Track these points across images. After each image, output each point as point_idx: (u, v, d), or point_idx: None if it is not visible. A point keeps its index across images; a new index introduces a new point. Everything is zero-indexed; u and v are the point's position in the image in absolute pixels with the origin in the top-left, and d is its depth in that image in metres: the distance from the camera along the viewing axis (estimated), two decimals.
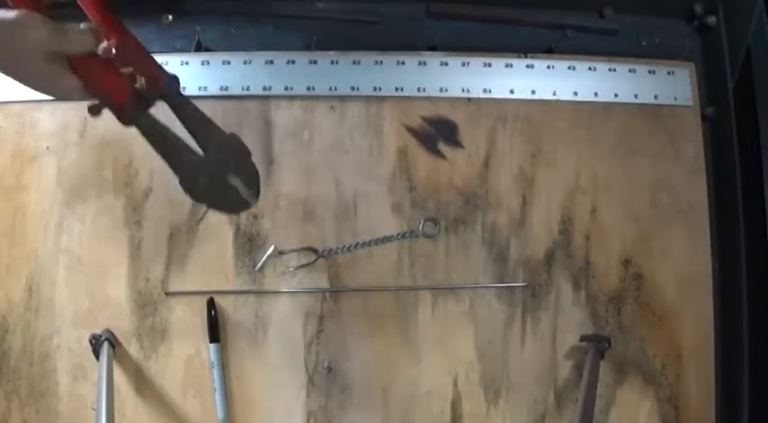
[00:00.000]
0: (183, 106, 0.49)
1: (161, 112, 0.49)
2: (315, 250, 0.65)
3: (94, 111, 0.48)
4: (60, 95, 0.46)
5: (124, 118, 0.47)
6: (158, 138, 0.48)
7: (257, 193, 0.51)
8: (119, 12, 0.72)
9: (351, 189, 0.66)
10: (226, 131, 0.50)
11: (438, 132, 0.68)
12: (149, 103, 0.48)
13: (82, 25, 0.44)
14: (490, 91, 0.68)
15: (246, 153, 0.51)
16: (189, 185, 0.48)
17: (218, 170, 0.49)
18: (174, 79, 0.48)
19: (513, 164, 0.68)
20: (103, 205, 0.65)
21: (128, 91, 0.47)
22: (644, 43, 0.73)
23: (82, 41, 0.43)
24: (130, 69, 0.48)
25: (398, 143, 0.67)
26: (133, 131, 0.65)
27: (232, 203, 0.51)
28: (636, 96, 0.69)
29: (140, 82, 0.48)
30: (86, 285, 0.64)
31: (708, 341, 0.66)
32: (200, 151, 0.49)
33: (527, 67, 0.69)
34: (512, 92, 0.69)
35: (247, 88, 0.67)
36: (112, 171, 0.65)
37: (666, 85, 0.70)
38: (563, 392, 0.65)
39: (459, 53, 0.69)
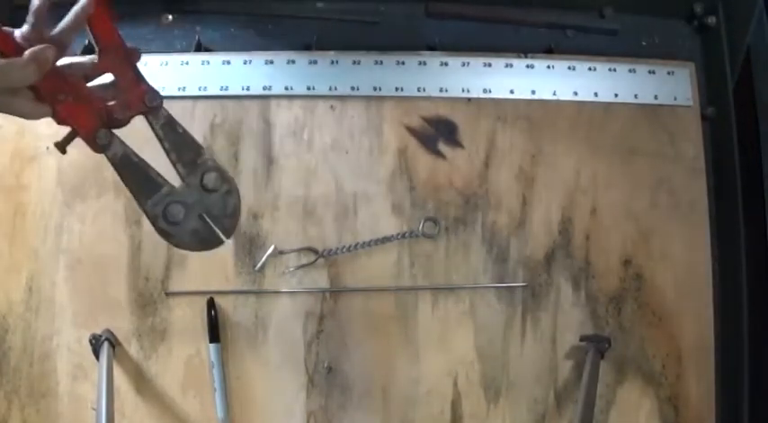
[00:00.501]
0: (165, 126, 0.45)
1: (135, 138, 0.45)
2: (315, 250, 0.65)
3: (61, 147, 0.44)
4: (37, 117, 0.43)
5: (94, 146, 0.43)
6: (130, 170, 0.44)
7: (234, 227, 0.47)
8: (119, 11, 0.72)
9: (351, 189, 0.66)
10: (210, 158, 0.46)
11: (438, 132, 0.68)
12: (120, 122, 0.44)
13: (26, 54, 0.40)
14: (490, 91, 0.68)
15: (231, 183, 0.46)
16: (161, 231, 0.45)
17: (195, 205, 0.45)
18: (158, 96, 0.44)
19: (513, 164, 0.68)
20: (103, 205, 0.65)
21: (96, 117, 0.43)
22: (644, 43, 0.73)
23: (23, 76, 0.40)
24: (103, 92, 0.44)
25: (398, 143, 0.67)
26: (133, 132, 0.65)
27: (205, 241, 0.46)
28: (636, 96, 0.69)
29: (114, 98, 0.43)
30: (86, 285, 0.64)
31: (708, 341, 0.66)
32: (178, 182, 0.45)
33: (527, 67, 0.69)
34: (512, 92, 0.69)
35: (247, 88, 0.67)
36: (112, 171, 0.65)
37: (666, 85, 0.70)
38: (563, 392, 0.65)
39: (459, 53, 0.69)
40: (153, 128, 0.45)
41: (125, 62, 0.44)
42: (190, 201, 0.45)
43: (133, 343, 0.63)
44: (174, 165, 0.45)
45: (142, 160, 0.44)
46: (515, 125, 0.68)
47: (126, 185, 0.44)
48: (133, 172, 0.44)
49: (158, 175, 0.45)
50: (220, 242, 0.46)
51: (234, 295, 0.64)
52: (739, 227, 0.67)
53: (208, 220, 0.45)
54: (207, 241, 0.46)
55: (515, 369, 0.65)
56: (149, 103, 0.44)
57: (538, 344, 0.65)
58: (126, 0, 0.69)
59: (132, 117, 0.44)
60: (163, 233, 0.45)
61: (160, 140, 0.45)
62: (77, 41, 0.68)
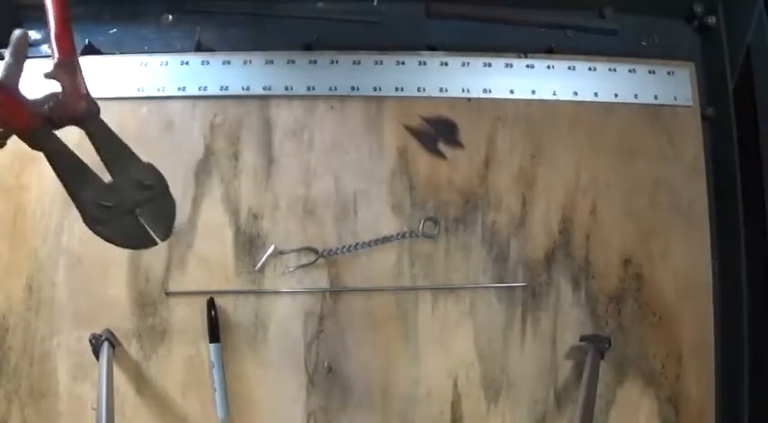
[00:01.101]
0: (101, 134, 0.46)
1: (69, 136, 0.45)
2: (315, 250, 0.65)
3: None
4: None
5: (31, 142, 0.43)
6: (65, 164, 0.44)
7: (168, 231, 0.47)
8: (119, 11, 0.72)
9: (351, 189, 0.66)
10: (144, 162, 0.47)
11: (438, 132, 0.68)
12: (58, 126, 0.44)
13: None
14: (490, 91, 0.68)
15: (164, 187, 0.47)
16: (92, 219, 0.45)
17: (126, 203, 0.46)
18: (95, 106, 0.45)
19: (513, 164, 0.68)
20: None
21: (30, 115, 0.43)
22: (644, 43, 0.73)
23: None
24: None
25: (398, 143, 0.67)
26: (133, 132, 0.65)
27: (137, 239, 0.47)
28: (636, 96, 0.69)
29: (49, 105, 0.44)
30: (86, 285, 0.64)
31: (708, 341, 0.66)
32: (108, 180, 0.46)
33: (527, 67, 0.69)
34: (512, 92, 0.69)
35: (247, 88, 0.67)
36: None
37: (666, 85, 0.70)
38: (563, 392, 0.65)
39: (459, 53, 0.69)
40: (89, 135, 0.45)
41: (75, 74, 0.45)
42: (124, 197, 0.46)
43: (133, 343, 0.63)
44: (110, 168, 0.46)
45: (78, 157, 0.45)
46: (515, 125, 0.68)
47: (59, 178, 0.44)
48: (68, 165, 0.44)
49: (93, 174, 0.45)
50: (154, 243, 0.47)
51: (234, 295, 0.64)
52: (739, 227, 0.67)
53: (143, 219, 0.46)
54: (139, 240, 0.47)
55: (515, 369, 0.65)
56: (87, 111, 0.45)
57: (538, 344, 0.65)
58: (126, 0, 0.70)
59: (68, 124, 0.45)
60: (93, 227, 0.45)
61: (97, 149, 0.46)
62: (78, 42, 0.69)
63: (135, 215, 0.46)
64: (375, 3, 0.69)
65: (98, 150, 0.46)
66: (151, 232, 0.46)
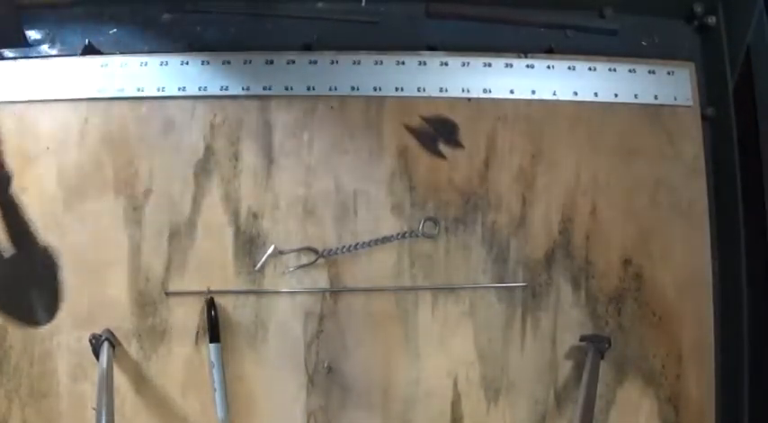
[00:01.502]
0: (10, 206, 0.47)
1: None
2: (315, 250, 0.65)
3: None
4: None
5: None
6: None
7: (52, 314, 0.49)
8: (119, 11, 0.72)
9: (351, 189, 0.66)
10: (42, 244, 0.48)
11: (438, 132, 0.68)
12: None
13: None
14: (490, 91, 0.68)
15: (55, 268, 0.49)
16: None
17: (19, 278, 0.47)
18: (6, 178, 0.47)
19: (513, 164, 0.68)
20: (103, 205, 0.65)
21: None
22: (644, 43, 0.73)
23: None
24: None
25: (398, 143, 0.67)
26: (134, 132, 0.66)
27: (24, 316, 0.49)
28: (636, 96, 0.69)
29: None
30: (86, 285, 0.64)
31: (708, 341, 0.66)
32: (9, 253, 0.47)
33: (527, 67, 0.69)
34: (512, 92, 0.69)
35: (247, 88, 0.67)
36: (112, 171, 0.65)
37: (666, 85, 0.70)
38: (563, 392, 0.65)
39: (459, 53, 0.69)
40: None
41: None
42: (21, 272, 0.48)
43: (133, 343, 0.63)
44: (13, 242, 0.48)
45: None
46: (515, 125, 0.68)
47: None
48: None
49: None
50: (38, 323, 0.49)
51: (234, 295, 0.64)
52: (739, 227, 0.67)
53: (32, 298, 0.49)
54: (23, 317, 0.49)
55: (515, 369, 0.65)
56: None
57: (538, 344, 0.65)
58: (126, 0, 0.70)
59: None
60: None
61: (4, 221, 0.48)
62: (78, 42, 0.69)
63: (27, 292, 0.48)
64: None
65: (5, 222, 0.47)
66: (37, 312, 0.48)
